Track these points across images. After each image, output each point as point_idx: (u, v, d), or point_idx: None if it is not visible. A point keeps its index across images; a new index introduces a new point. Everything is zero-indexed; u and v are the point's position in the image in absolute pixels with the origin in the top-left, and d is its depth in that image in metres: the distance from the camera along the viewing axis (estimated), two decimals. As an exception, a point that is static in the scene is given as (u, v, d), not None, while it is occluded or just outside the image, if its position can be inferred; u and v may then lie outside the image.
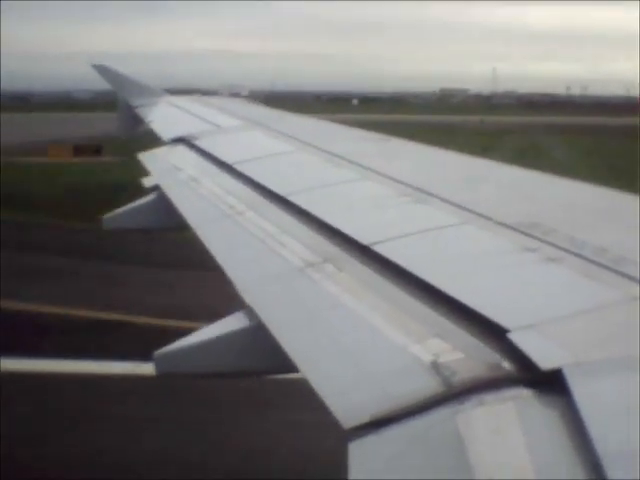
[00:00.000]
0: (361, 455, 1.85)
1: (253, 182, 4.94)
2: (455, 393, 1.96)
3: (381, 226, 3.49)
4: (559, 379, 1.87)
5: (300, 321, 2.74)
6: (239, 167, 5.50)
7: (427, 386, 2.02)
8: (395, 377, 2.15)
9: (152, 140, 8.74)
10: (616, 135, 66.81)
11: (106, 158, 49.79)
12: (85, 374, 13.66)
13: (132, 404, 12.35)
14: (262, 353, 2.78)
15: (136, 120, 11.37)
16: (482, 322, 2.28)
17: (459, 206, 3.56)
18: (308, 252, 3.35)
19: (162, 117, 10.59)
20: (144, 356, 3.36)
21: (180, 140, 7.63)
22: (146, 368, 11.74)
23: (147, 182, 6.17)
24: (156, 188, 5.83)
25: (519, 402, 1.87)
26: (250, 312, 2.90)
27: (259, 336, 2.75)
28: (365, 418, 1.95)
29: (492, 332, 2.20)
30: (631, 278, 2.43)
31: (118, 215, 5.91)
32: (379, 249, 3.08)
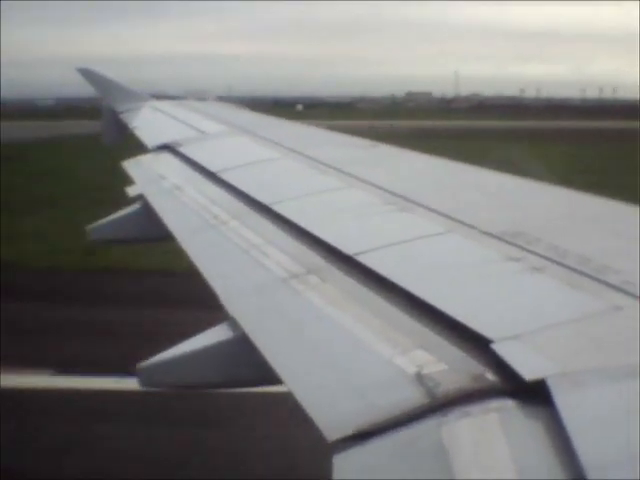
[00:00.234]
0: (345, 468, 1.84)
1: (237, 190, 4.92)
2: (439, 405, 1.95)
3: (365, 236, 3.48)
4: (543, 390, 1.87)
5: (284, 333, 2.73)
6: (223, 175, 5.48)
7: (411, 398, 2.01)
8: (379, 389, 2.14)
9: (137, 147, 8.71)
10: (518, 139, 64.53)
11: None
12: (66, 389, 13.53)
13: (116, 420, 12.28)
14: (246, 365, 2.77)
15: (121, 126, 11.32)
16: (466, 333, 2.27)
17: (444, 214, 3.56)
18: (292, 263, 3.34)
19: (146, 123, 10.54)
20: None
21: (165, 147, 7.61)
22: (129, 383, 11.78)
23: (131, 191, 6.14)
24: (140, 197, 5.80)
25: (503, 413, 1.87)
26: (234, 323, 2.89)
27: (243, 348, 2.74)
28: (349, 430, 1.95)
29: (476, 343, 2.20)
30: (615, 287, 2.43)
31: (102, 226, 5.86)
32: (363, 259, 3.08)
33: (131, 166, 7.16)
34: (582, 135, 72.47)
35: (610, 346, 2.07)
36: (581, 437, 1.66)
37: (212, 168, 5.83)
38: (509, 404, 1.90)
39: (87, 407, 12.71)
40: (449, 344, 2.27)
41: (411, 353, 2.28)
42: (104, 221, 5.90)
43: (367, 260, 3.06)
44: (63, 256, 22.63)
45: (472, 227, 3.30)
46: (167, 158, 7.13)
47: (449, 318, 2.38)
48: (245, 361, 2.76)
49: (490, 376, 2.03)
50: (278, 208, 4.18)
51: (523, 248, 2.93)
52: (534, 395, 1.89)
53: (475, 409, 1.90)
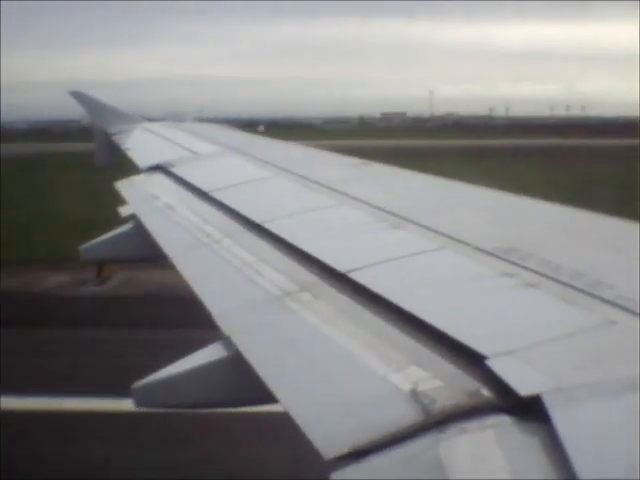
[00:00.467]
0: None
1: (230, 210, 4.93)
2: (435, 421, 1.95)
3: (358, 253, 3.48)
4: (539, 405, 1.87)
5: (278, 351, 2.72)
6: (216, 195, 5.49)
7: (407, 415, 2.01)
8: (375, 406, 2.13)
9: (129, 168, 8.71)
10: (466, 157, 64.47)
11: None
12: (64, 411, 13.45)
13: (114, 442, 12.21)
14: (241, 384, 2.76)
15: (113, 148, 11.32)
16: (460, 349, 2.27)
17: (436, 231, 3.56)
18: (285, 280, 3.34)
19: (139, 144, 10.55)
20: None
21: (157, 167, 7.61)
22: (125, 404, 11.71)
23: (124, 211, 6.13)
24: (133, 217, 5.79)
25: (500, 429, 1.86)
26: (228, 342, 2.88)
27: (237, 366, 2.73)
28: (346, 448, 1.94)
29: (471, 359, 2.20)
30: (608, 302, 2.44)
31: (95, 245, 5.85)
32: (356, 276, 3.08)
33: (124, 186, 7.16)
34: (534, 152, 72.23)
35: (605, 360, 2.07)
36: (577, 452, 1.66)
37: (204, 188, 5.83)
38: (505, 420, 1.90)
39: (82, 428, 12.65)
40: (444, 361, 2.27)
41: (406, 370, 2.27)
42: (96, 241, 5.89)
43: (360, 277, 3.06)
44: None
45: (465, 243, 3.31)
46: (160, 178, 7.14)
47: (444, 335, 2.38)
48: (240, 380, 2.75)
49: (485, 392, 2.03)
50: (271, 226, 4.18)
51: (516, 264, 2.93)
52: (530, 411, 1.88)
53: (471, 425, 1.90)
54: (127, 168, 8.78)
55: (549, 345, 2.21)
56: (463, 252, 3.22)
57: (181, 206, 5.57)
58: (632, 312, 2.34)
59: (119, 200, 6.60)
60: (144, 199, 6.30)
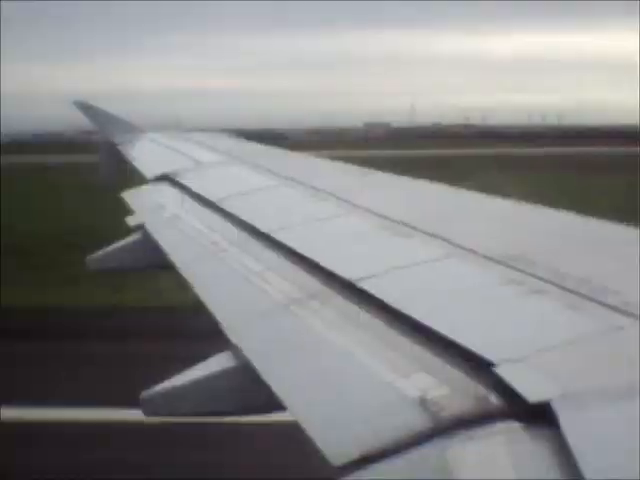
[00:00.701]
0: None
1: (237, 219, 4.95)
2: (444, 428, 1.96)
3: (365, 261, 3.50)
4: (547, 411, 1.88)
5: (286, 359, 2.74)
6: (222, 204, 5.51)
7: (415, 422, 2.02)
8: (383, 413, 2.14)
9: (135, 178, 8.75)
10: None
11: None
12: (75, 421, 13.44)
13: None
14: (249, 392, 2.77)
15: (118, 159, 11.36)
16: (468, 356, 2.28)
17: (442, 239, 3.58)
18: (293, 289, 3.35)
19: (144, 154, 10.60)
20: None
21: (163, 177, 7.65)
22: (133, 414, 11.71)
23: (131, 221, 6.16)
24: (140, 227, 5.81)
25: (508, 436, 1.87)
26: (236, 351, 2.89)
27: (245, 375, 2.74)
28: (354, 455, 1.95)
29: (479, 366, 2.21)
30: (614, 308, 2.45)
31: (102, 256, 5.86)
32: (363, 285, 3.09)
33: (131, 196, 7.19)
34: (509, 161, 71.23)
35: (612, 366, 2.08)
36: (586, 458, 1.67)
37: (211, 197, 5.86)
38: (513, 426, 1.90)
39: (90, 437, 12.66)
40: (452, 368, 2.28)
41: (414, 377, 2.28)
42: (103, 251, 5.90)
43: (367, 285, 3.07)
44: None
45: (471, 251, 3.32)
46: (166, 188, 7.17)
47: (451, 342, 2.39)
48: (248, 388, 2.76)
49: (493, 399, 2.04)
50: (278, 235, 4.20)
51: (523, 271, 2.94)
52: (538, 417, 1.89)
53: (480, 432, 1.91)
54: (131, 179, 8.83)
55: (557, 351, 2.22)
56: (469, 260, 3.23)
57: (188, 215, 5.60)
58: (638, 318, 2.35)
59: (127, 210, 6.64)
60: (151, 209, 6.33)
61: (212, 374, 2.88)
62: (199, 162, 8.42)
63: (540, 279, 2.83)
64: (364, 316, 2.86)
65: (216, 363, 2.93)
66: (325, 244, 3.99)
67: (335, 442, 2.06)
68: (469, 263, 3.20)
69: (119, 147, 11.79)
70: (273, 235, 4.23)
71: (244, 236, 4.52)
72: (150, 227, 5.57)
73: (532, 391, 1.97)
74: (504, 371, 2.11)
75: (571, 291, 2.66)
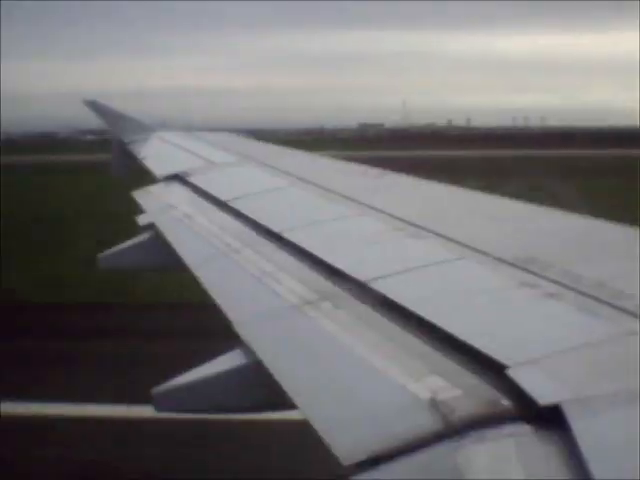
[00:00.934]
0: None
1: (248, 219, 4.96)
2: (454, 430, 1.97)
3: (378, 263, 3.50)
4: (558, 415, 1.88)
5: (298, 359, 2.75)
6: (234, 204, 5.52)
7: (426, 423, 2.03)
8: (394, 414, 2.15)
9: (146, 177, 8.76)
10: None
11: None
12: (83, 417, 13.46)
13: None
14: (260, 390, 2.79)
15: (129, 157, 11.38)
16: (480, 359, 2.29)
17: (456, 241, 3.58)
18: (305, 289, 3.36)
19: (155, 153, 10.62)
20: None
21: (174, 177, 7.66)
22: (142, 410, 11.74)
23: (142, 220, 6.17)
24: (151, 226, 5.83)
25: (519, 438, 1.87)
26: (247, 350, 2.91)
27: (257, 373, 2.75)
28: (364, 455, 1.96)
29: (491, 369, 2.22)
30: (629, 312, 2.45)
31: (113, 254, 5.88)
32: (376, 286, 3.10)
33: (141, 196, 7.21)
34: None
35: (625, 370, 2.08)
36: (597, 462, 1.67)
37: (223, 197, 5.87)
38: (524, 429, 1.91)
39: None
40: (464, 370, 2.29)
41: (426, 379, 2.29)
42: (114, 250, 5.92)
43: (380, 286, 3.08)
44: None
45: (485, 253, 3.32)
46: (177, 188, 7.18)
47: (464, 344, 2.40)
48: (259, 386, 2.77)
49: (505, 401, 2.04)
50: (290, 236, 4.21)
51: (537, 274, 2.95)
52: (549, 420, 1.90)
53: (490, 434, 1.91)
54: (142, 178, 8.84)
55: (569, 355, 2.22)
56: (483, 262, 3.23)
57: (199, 215, 5.61)
58: None
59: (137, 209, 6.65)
60: (162, 208, 6.35)
61: (223, 372, 2.90)
62: (210, 162, 8.43)
63: (553, 282, 2.83)
64: (376, 317, 2.86)
65: (227, 361, 2.95)
66: (338, 245, 4.00)
67: (345, 442, 2.06)
68: (482, 265, 3.20)
69: (129, 146, 11.81)
70: (285, 235, 4.24)
71: (256, 236, 4.53)
72: (161, 226, 5.59)
73: (543, 394, 1.97)
74: (515, 374, 2.11)
75: (585, 294, 2.66)
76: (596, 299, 2.60)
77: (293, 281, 3.52)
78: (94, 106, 14.27)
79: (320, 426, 2.18)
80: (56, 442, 12.38)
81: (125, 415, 13.02)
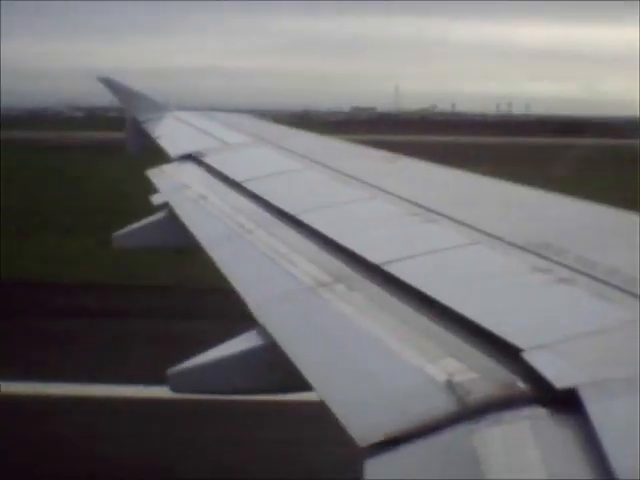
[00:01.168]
0: (376, 473, 1.87)
1: (263, 200, 4.97)
2: (470, 412, 1.98)
3: (392, 246, 3.51)
4: (574, 398, 1.89)
5: (313, 340, 2.77)
6: (248, 185, 5.53)
7: (442, 405, 2.04)
8: (409, 396, 2.16)
9: (160, 156, 8.77)
10: None
11: None
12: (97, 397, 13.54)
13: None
14: (275, 371, 2.81)
15: (144, 135, 11.39)
16: (496, 342, 2.30)
17: (469, 225, 3.58)
18: (319, 272, 3.37)
19: (169, 133, 10.63)
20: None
21: (188, 156, 7.67)
22: (156, 391, 11.81)
23: (156, 199, 6.20)
24: (165, 205, 5.85)
25: (535, 421, 1.88)
26: (262, 331, 2.92)
27: (272, 355, 2.77)
28: (380, 436, 1.97)
29: (506, 352, 2.23)
30: None
31: (128, 233, 5.92)
32: (390, 269, 3.11)
33: (155, 175, 7.23)
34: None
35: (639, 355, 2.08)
36: (613, 445, 1.68)
37: (237, 178, 5.88)
38: (540, 412, 1.92)
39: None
40: (480, 353, 2.30)
41: (442, 361, 2.30)
42: (129, 229, 5.95)
43: (394, 269, 3.09)
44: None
45: (499, 238, 3.32)
46: (191, 167, 7.20)
47: (479, 327, 2.41)
48: (274, 368, 2.79)
49: (521, 384, 2.05)
50: (304, 218, 4.21)
51: (551, 259, 2.95)
52: (565, 403, 1.91)
53: (506, 416, 1.93)
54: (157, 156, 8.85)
55: (584, 339, 2.23)
56: (496, 247, 3.24)
57: (214, 196, 5.62)
58: None
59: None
60: (176, 188, 6.37)
61: (239, 353, 2.92)
62: (225, 142, 8.44)
63: (568, 267, 2.83)
64: (391, 300, 2.87)
65: (243, 342, 2.96)
66: (352, 228, 4.01)
67: (361, 423, 2.08)
68: (496, 250, 3.21)
69: (144, 124, 11.82)
70: (300, 217, 4.25)
71: (270, 218, 4.54)
72: (175, 207, 5.60)
73: (559, 377, 1.98)
74: (531, 357, 2.12)
75: (600, 280, 2.66)
76: (610, 285, 2.60)
77: (307, 263, 3.53)
78: (108, 83, 14.26)
79: (336, 408, 2.19)
80: (73, 422, 12.50)
81: (141, 395, 13.11)
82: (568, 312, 2.50)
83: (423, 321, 2.63)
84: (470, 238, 3.41)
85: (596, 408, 1.82)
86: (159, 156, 8.80)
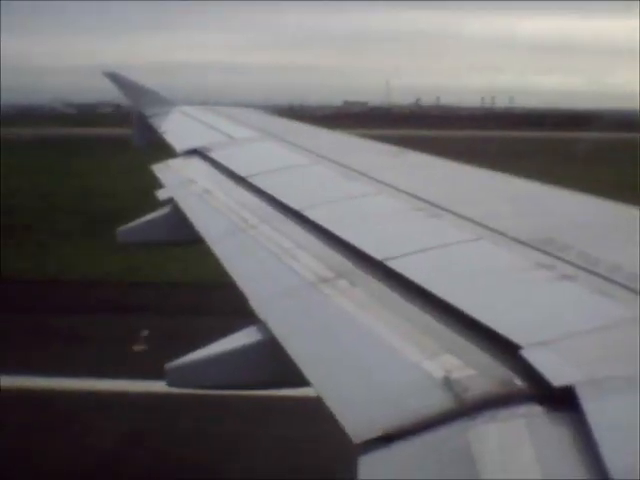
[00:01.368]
0: (371, 469, 1.86)
1: (267, 195, 4.96)
2: (467, 409, 1.97)
3: (395, 241, 3.50)
4: (571, 396, 1.88)
5: (312, 336, 2.75)
6: (253, 180, 5.52)
7: (439, 402, 2.03)
8: (407, 392, 2.15)
9: (165, 150, 8.77)
10: None
11: None
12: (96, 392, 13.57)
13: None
14: (274, 367, 2.80)
15: (150, 130, 11.39)
16: (495, 339, 2.29)
17: (473, 221, 3.57)
18: (322, 267, 3.36)
19: (175, 127, 10.62)
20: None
21: (194, 151, 7.66)
22: (154, 385, 11.84)
23: (161, 194, 6.18)
24: (170, 201, 5.84)
25: (531, 419, 1.87)
26: (263, 326, 2.91)
27: (271, 350, 2.76)
28: (376, 432, 1.96)
29: (505, 349, 2.21)
30: None
31: (132, 228, 5.91)
32: (393, 264, 3.10)
33: (161, 170, 7.22)
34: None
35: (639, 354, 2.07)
36: (608, 443, 1.67)
37: (243, 173, 5.87)
38: (537, 410, 1.91)
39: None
40: (478, 349, 2.28)
41: (440, 358, 2.29)
42: (133, 224, 5.94)
43: (397, 265, 3.08)
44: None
45: (502, 234, 3.31)
46: (196, 162, 7.18)
47: (478, 323, 2.40)
48: (273, 363, 2.78)
49: (518, 382, 2.04)
50: (308, 213, 4.20)
51: (553, 255, 2.93)
52: (562, 401, 1.89)
53: (503, 414, 1.91)
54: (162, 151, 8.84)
55: (584, 337, 2.21)
56: (500, 242, 3.22)
57: (218, 191, 5.61)
58: None
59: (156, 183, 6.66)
60: (181, 183, 6.35)
61: (238, 348, 2.91)
62: (231, 137, 8.43)
63: (571, 264, 2.82)
64: (392, 296, 2.86)
65: (242, 338, 2.96)
66: (356, 223, 3.99)
67: (357, 419, 2.07)
68: (499, 246, 3.19)
69: (150, 119, 11.82)
70: (304, 213, 4.24)
71: (274, 213, 4.52)
72: (180, 201, 5.60)
73: (557, 375, 1.97)
74: (530, 354, 2.11)
75: (602, 277, 2.65)
76: (613, 282, 2.58)
77: (310, 258, 3.52)
78: (114, 78, 14.26)
79: (332, 403, 2.18)
80: (77, 418, 12.54)
81: (138, 390, 13.13)
82: (569, 309, 2.48)
83: (424, 317, 2.61)
84: (474, 233, 3.39)
85: (592, 407, 1.81)
86: (164, 150, 8.79)
